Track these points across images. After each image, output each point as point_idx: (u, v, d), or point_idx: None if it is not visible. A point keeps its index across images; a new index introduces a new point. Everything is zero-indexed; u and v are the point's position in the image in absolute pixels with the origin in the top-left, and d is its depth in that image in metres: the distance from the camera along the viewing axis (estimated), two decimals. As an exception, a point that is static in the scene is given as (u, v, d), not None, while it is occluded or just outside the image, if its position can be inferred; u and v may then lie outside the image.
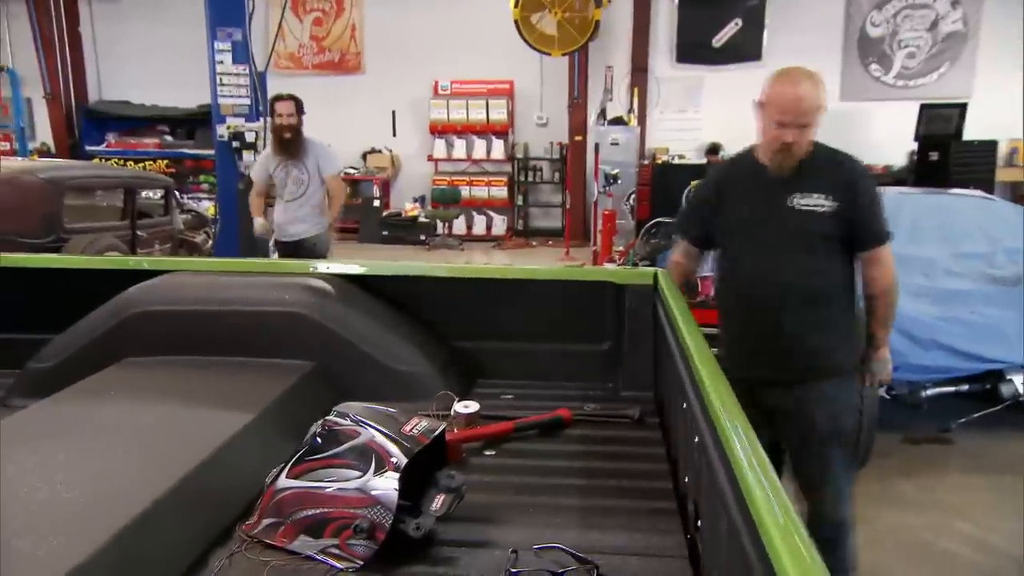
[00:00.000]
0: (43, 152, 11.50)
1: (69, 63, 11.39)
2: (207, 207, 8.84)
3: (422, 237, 10.78)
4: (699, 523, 1.41)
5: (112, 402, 1.87)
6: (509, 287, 2.43)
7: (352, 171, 11.63)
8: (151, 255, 6.20)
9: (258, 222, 4.90)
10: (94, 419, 1.75)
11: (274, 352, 2.18)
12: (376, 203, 11.36)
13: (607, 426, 2.07)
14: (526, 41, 9.30)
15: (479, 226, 11.35)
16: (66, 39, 11.28)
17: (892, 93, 10.01)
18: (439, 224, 11.05)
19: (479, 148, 11.30)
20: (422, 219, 10.98)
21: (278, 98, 4.82)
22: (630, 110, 9.54)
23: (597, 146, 8.83)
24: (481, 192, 11.31)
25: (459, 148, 11.39)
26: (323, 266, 2.49)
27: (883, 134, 9.78)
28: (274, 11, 10.35)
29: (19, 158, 8.62)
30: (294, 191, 4.73)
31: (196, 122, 11.27)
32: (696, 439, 1.41)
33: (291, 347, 2.17)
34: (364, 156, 11.68)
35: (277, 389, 1.96)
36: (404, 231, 10.90)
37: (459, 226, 11.23)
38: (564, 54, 9.52)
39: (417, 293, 2.49)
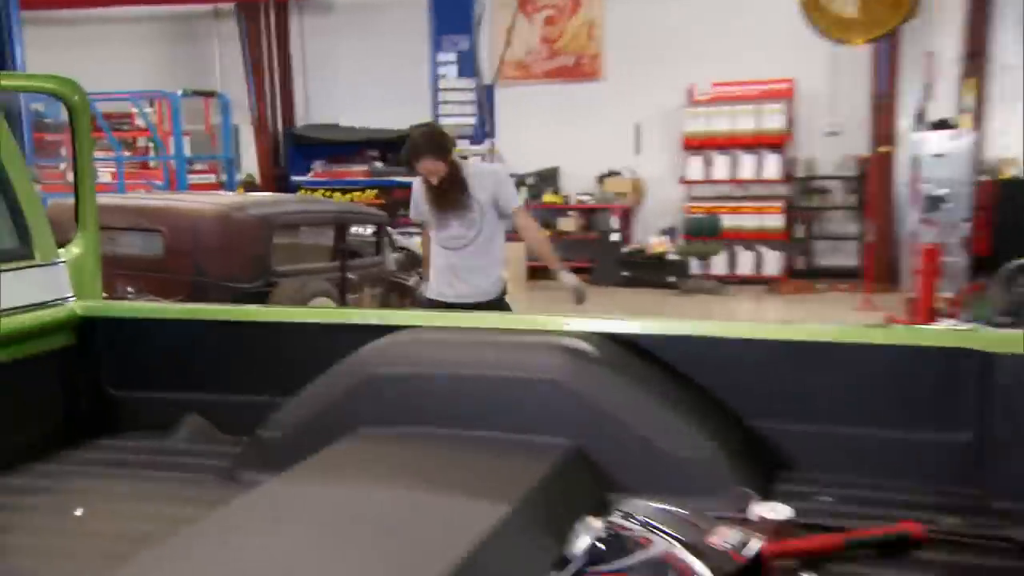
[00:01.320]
0: (248, 184, 12.96)
1: (277, 84, 12.79)
2: (418, 243, 9.40)
3: (672, 279, 10.70)
4: None
5: (351, 482, 1.97)
6: (819, 351, 2.31)
7: (585, 198, 11.84)
8: (361, 301, 6.62)
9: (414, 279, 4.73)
10: (333, 502, 1.84)
11: (524, 427, 2.18)
12: (614, 237, 11.45)
13: (980, 552, 1.87)
14: (815, 28, 8.96)
15: (745, 264, 11.07)
16: (275, 58, 12.72)
17: None
18: (693, 262, 10.93)
19: (746, 166, 11.04)
20: (671, 256, 10.92)
21: (415, 152, 4.33)
22: (962, 110, 8.82)
23: (916, 159, 8.23)
24: (749, 221, 11.03)
25: (720, 166, 11.19)
26: (582, 322, 2.47)
27: None
28: (500, 13, 10.99)
29: (227, 192, 9.78)
30: (461, 234, 4.38)
31: (408, 146, 12.15)
32: None
33: (544, 422, 2.18)
34: (600, 180, 11.84)
35: (532, 474, 1.99)
36: (649, 271, 10.89)
37: (718, 265, 11.02)
38: (868, 41, 9.05)
39: (699, 357, 2.39)
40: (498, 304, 4.49)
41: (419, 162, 4.29)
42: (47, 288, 2.60)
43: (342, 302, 6.23)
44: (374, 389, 2.30)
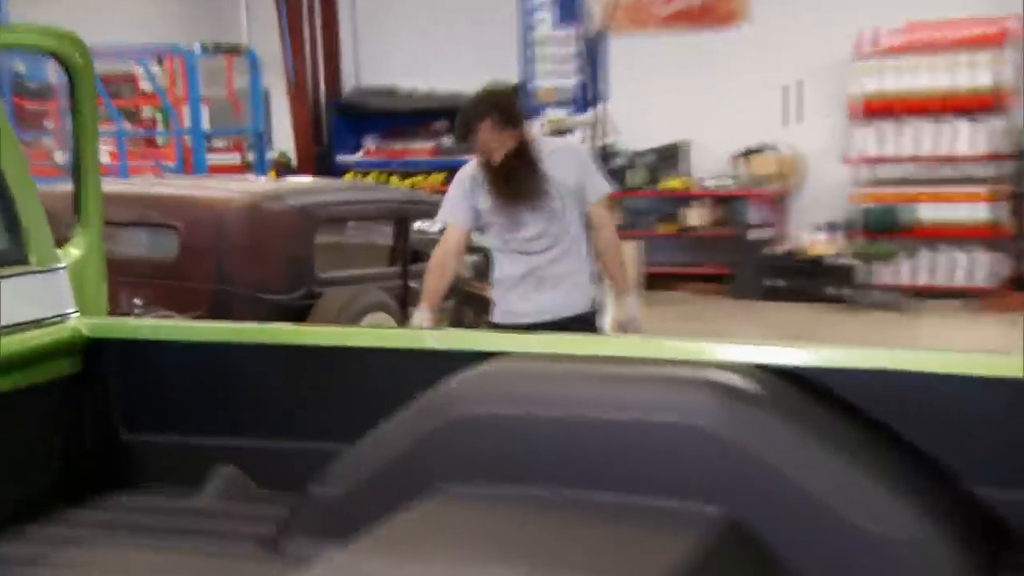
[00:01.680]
0: (282, 165, 13.22)
1: (320, 38, 13.03)
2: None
3: (836, 290, 10.57)
4: None
5: (432, 560, 1.98)
6: None
7: (720, 183, 11.74)
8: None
9: (421, 316, 4.50)
10: None
11: (660, 489, 2.18)
12: (758, 234, 11.36)
13: None
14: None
15: (942, 272, 10.84)
16: (317, 4, 12.98)
17: None
18: (867, 268, 10.78)
19: (942, 138, 10.78)
20: (837, 260, 10.79)
21: (469, 117, 4.32)
22: None
23: None
24: (945, 213, 10.77)
25: (904, 139, 10.95)
26: (734, 350, 2.45)
27: None
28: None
29: (256, 176, 9.98)
30: (541, 231, 4.38)
31: (487, 115, 12.23)
32: None
33: (687, 483, 2.19)
34: (740, 158, 11.75)
35: (671, 556, 1.98)
36: (806, 279, 10.77)
37: (901, 271, 10.83)
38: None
39: (901, 399, 2.35)
40: (588, 323, 4.48)
41: (475, 133, 4.28)
42: (44, 301, 2.68)
43: (404, 318, 6.29)
44: (459, 436, 2.33)
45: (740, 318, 10.31)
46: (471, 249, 7.98)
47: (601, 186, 4.46)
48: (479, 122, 4.26)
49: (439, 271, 4.55)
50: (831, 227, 11.29)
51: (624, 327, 4.49)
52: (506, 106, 4.32)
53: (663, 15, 11.96)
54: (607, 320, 4.64)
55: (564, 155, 4.45)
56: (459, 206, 4.48)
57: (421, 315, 4.57)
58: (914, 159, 11.00)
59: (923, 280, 10.87)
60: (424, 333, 2.86)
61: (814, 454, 2.18)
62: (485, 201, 4.39)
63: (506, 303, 4.51)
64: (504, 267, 4.51)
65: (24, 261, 2.63)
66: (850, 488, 2.14)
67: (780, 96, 11.58)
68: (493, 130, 4.23)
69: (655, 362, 2.46)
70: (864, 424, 2.35)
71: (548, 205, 4.32)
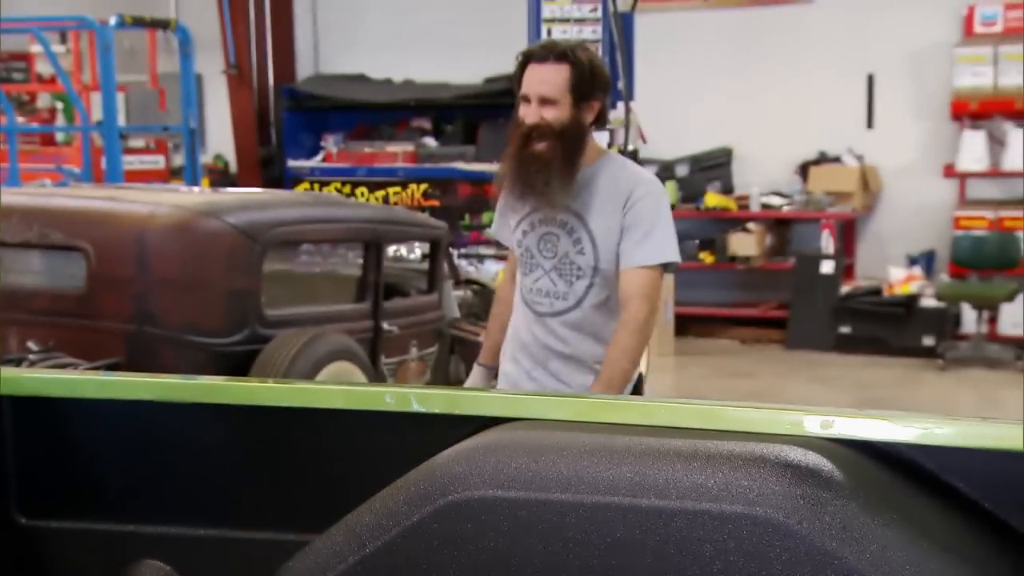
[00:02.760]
0: (216, 172, 13.25)
1: (267, 15, 13.06)
2: (496, 274, 9.45)
3: (927, 341, 10.62)
4: None
5: None
6: None
7: (777, 201, 11.78)
8: (405, 369, 6.69)
9: (473, 377, 4.50)
10: None
11: None
12: (826, 267, 11.40)
13: None
14: None
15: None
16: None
17: None
18: (968, 314, 10.84)
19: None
20: (927, 302, 10.84)
21: (532, 56, 4.16)
22: None
23: None
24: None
25: (1016, 147, 11.04)
26: (811, 421, 2.44)
27: None
28: None
29: (187, 186, 9.99)
30: (554, 287, 4.25)
31: (480, 111, 12.27)
32: None
33: None
34: (802, 170, 11.86)
35: None
36: (886, 326, 10.82)
37: (1015, 316, 10.82)
38: None
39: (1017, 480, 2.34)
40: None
41: (536, 65, 4.09)
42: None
43: (375, 370, 6.28)
44: (454, 525, 2.28)
45: (803, 375, 10.31)
46: (460, 281, 8.02)
47: (654, 249, 4.17)
48: (540, 60, 4.10)
49: (493, 311, 4.58)
50: (922, 259, 11.36)
51: None
52: (591, 66, 4.14)
53: (707, -13, 12.10)
54: None
55: (625, 181, 4.21)
56: (497, 217, 4.46)
57: (474, 376, 4.57)
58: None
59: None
60: (408, 393, 2.84)
61: (913, 557, 2.18)
62: (515, 222, 4.33)
63: (506, 371, 4.40)
64: (514, 318, 4.41)
65: None
66: None
67: (858, 91, 11.68)
68: (549, 74, 4.07)
69: (708, 435, 2.45)
70: (975, 519, 2.36)
71: (575, 244, 4.21)
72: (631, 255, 4.15)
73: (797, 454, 2.29)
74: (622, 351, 4.17)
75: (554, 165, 4.10)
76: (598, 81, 4.13)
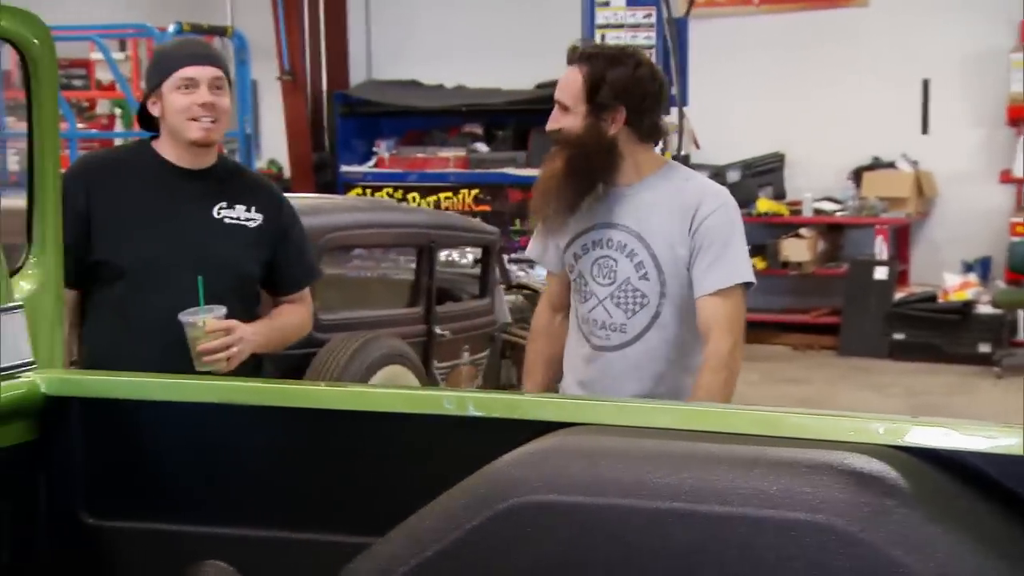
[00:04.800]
0: (270, 177, 13.26)
1: (323, 17, 13.11)
2: (544, 277, 9.47)
3: (983, 348, 10.55)
4: None
5: None
6: None
7: (830, 206, 11.72)
8: (456, 372, 6.72)
9: None
10: None
11: None
12: (880, 273, 11.34)
13: None
14: None
15: None
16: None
17: None
18: (1025, 320, 10.75)
19: None
20: (983, 308, 10.79)
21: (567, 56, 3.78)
22: None
23: None
24: None
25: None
26: (880, 426, 2.43)
27: None
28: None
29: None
30: (611, 318, 3.74)
31: (531, 117, 12.24)
32: None
33: None
34: (856, 176, 11.80)
35: None
36: (941, 334, 10.75)
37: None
38: None
39: None
40: None
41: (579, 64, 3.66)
42: (-6, 349, 2.71)
43: (428, 375, 6.29)
44: (515, 529, 2.29)
45: (855, 382, 10.24)
46: (511, 286, 8.02)
47: (728, 269, 3.68)
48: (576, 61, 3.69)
49: (531, 349, 4.08)
50: (978, 266, 11.27)
51: None
52: (636, 69, 3.68)
53: (761, -8, 12.07)
54: None
55: (684, 203, 3.71)
56: (538, 237, 3.97)
57: None
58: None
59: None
60: (466, 397, 2.85)
61: (978, 567, 2.17)
62: (565, 243, 3.84)
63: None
64: (568, 349, 3.94)
65: (-30, 299, 2.67)
66: None
67: (913, 96, 11.62)
68: (576, 74, 3.67)
69: (770, 441, 2.44)
70: None
71: (638, 266, 3.74)
72: (704, 280, 3.65)
73: (861, 461, 2.27)
74: (706, 393, 3.67)
75: (561, 180, 3.70)
76: (627, 89, 3.63)
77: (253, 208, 3.74)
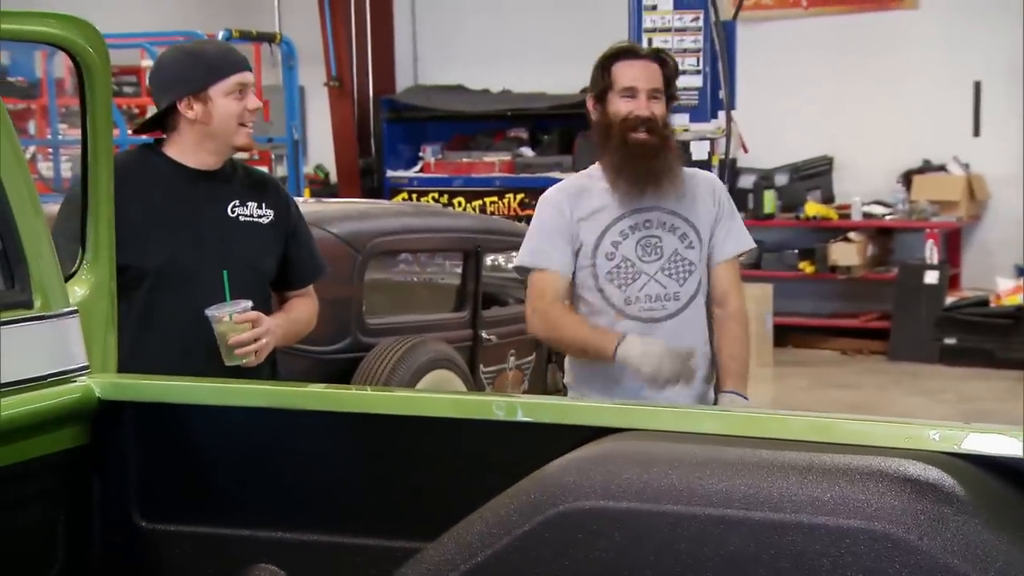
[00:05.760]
0: (317, 182, 13.38)
1: (369, 23, 13.18)
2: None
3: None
4: None
5: None
6: None
7: (879, 210, 11.67)
8: (502, 377, 6.72)
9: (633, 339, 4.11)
10: None
11: None
12: (931, 277, 11.28)
13: None
14: None
15: None
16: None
17: None
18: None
19: None
20: (1038, 313, 10.67)
21: (625, 53, 4.21)
22: None
23: None
24: None
25: None
26: (935, 432, 2.42)
27: None
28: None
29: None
30: (666, 289, 4.18)
31: (577, 121, 12.23)
32: None
33: None
34: (906, 179, 11.75)
35: None
36: (994, 338, 10.70)
37: None
38: None
39: None
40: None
41: (625, 62, 4.13)
42: (51, 354, 2.74)
43: (475, 379, 6.30)
44: (571, 534, 2.31)
45: (906, 387, 10.19)
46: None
47: (741, 237, 4.30)
48: (633, 56, 4.20)
49: (568, 312, 4.22)
50: (1032, 270, 11.19)
51: None
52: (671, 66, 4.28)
53: (810, -4, 12.01)
54: None
55: (698, 183, 4.29)
56: (555, 241, 4.19)
57: (633, 341, 4.30)
58: None
59: None
60: (515, 403, 2.86)
61: None
62: (602, 229, 4.16)
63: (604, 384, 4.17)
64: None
65: (27, 305, 2.69)
66: None
67: (964, 99, 11.56)
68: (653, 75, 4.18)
69: (823, 448, 2.43)
70: None
71: (681, 250, 4.19)
72: (724, 247, 4.23)
73: (917, 468, 2.27)
74: (742, 343, 4.29)
75: (671, 156, 4.18)
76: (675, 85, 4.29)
77: (263, 204, 3.80)
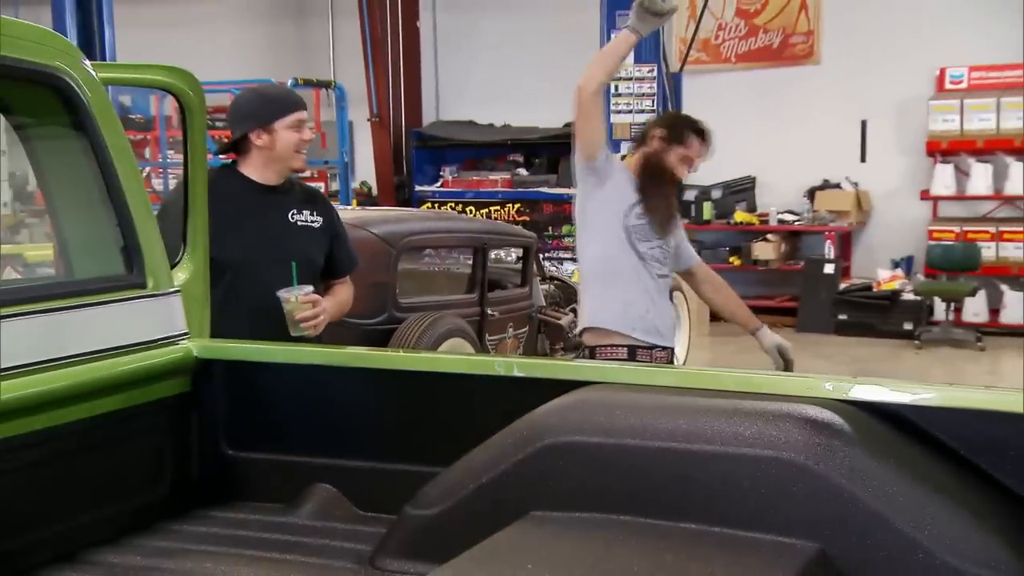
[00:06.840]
0: (363, 195, 13.39)
1: (402, 71, 13.21)
2: (571, 272, 9.47)
3: (907, 326, 10.46)
4: None
5: None
6: None
7: (790, 218, 11.66)
8: (502, 344, 6.73)
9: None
10: None
11: (751, 522, 2.13)
12: (828, 269, 11.28)
13: None
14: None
15: (1014, 309, 10.70)
16: (401, 38, 13.14)
17: None
18: (938, 305, 10.65)
19: (1017, 177, 10.68)
20: (907, 296, 10.69)
21: (705, 133, 4.48)
22: None
23: None
24: (1021, 252, 10.64)
25: (979, 177, 10.89)
26: (828, 384, 2.43)
27: None
28: (688, -21, 11.02)
29: (342, 205, 10.10)
30: (665, 255, 4.45)
31: (561, 148, 12.28)
32: None
33: (780, 517, 2.14)
34: (810, 194, 11.70)
35: None
36: (875, 315, 10.69)
37: (975, 308, 10.68)
38: None
39: (989, 439, 2.31)
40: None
41: (688, 142, 4.33)
42: (160, 323, 2.75)
43: (481, 345, 6.31)
44: (550, 462, 2.31)
45: (809, 352, 10.15)
46: (545, 278, 8.04)
47: (690, 250, 4.66)
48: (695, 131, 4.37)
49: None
50: (902, 263, 11.20)
51: (781, 350, 4.47)
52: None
53: (737, 53, 11.97)
54: (768, 346, 4.54)
55: None
56: (613, 167, 4.37)
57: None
58: (988, 197, 10.94)
59: (997, 318, 10.75)
60: (512, 362, 2.88)
61: (910, 491, 2.14)
62: (627, 208, 4.32)
63: (629, 314, 4.29)
64: (631, 284, 4.34)
65: (142, 285, 2.71)
66: (946, 526, 2.09)
67: (853, 133, 11.52)
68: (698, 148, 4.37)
69: (746, 396, 2.44)
70: (953, 463, 2.33)
71: (669, 237, 4.41)
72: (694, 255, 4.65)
73: (815, 411, 2.29)
74: (738, 300, 4.69)
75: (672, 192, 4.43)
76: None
77: (315, 212, 3.81)
